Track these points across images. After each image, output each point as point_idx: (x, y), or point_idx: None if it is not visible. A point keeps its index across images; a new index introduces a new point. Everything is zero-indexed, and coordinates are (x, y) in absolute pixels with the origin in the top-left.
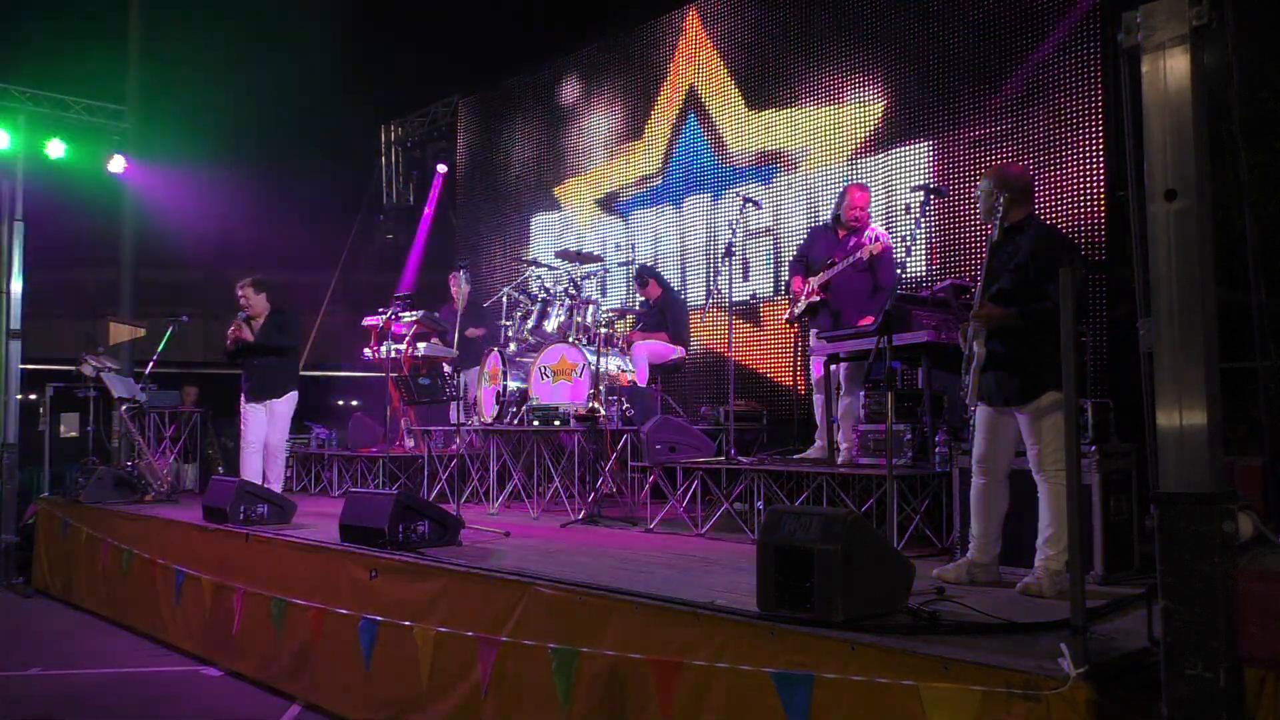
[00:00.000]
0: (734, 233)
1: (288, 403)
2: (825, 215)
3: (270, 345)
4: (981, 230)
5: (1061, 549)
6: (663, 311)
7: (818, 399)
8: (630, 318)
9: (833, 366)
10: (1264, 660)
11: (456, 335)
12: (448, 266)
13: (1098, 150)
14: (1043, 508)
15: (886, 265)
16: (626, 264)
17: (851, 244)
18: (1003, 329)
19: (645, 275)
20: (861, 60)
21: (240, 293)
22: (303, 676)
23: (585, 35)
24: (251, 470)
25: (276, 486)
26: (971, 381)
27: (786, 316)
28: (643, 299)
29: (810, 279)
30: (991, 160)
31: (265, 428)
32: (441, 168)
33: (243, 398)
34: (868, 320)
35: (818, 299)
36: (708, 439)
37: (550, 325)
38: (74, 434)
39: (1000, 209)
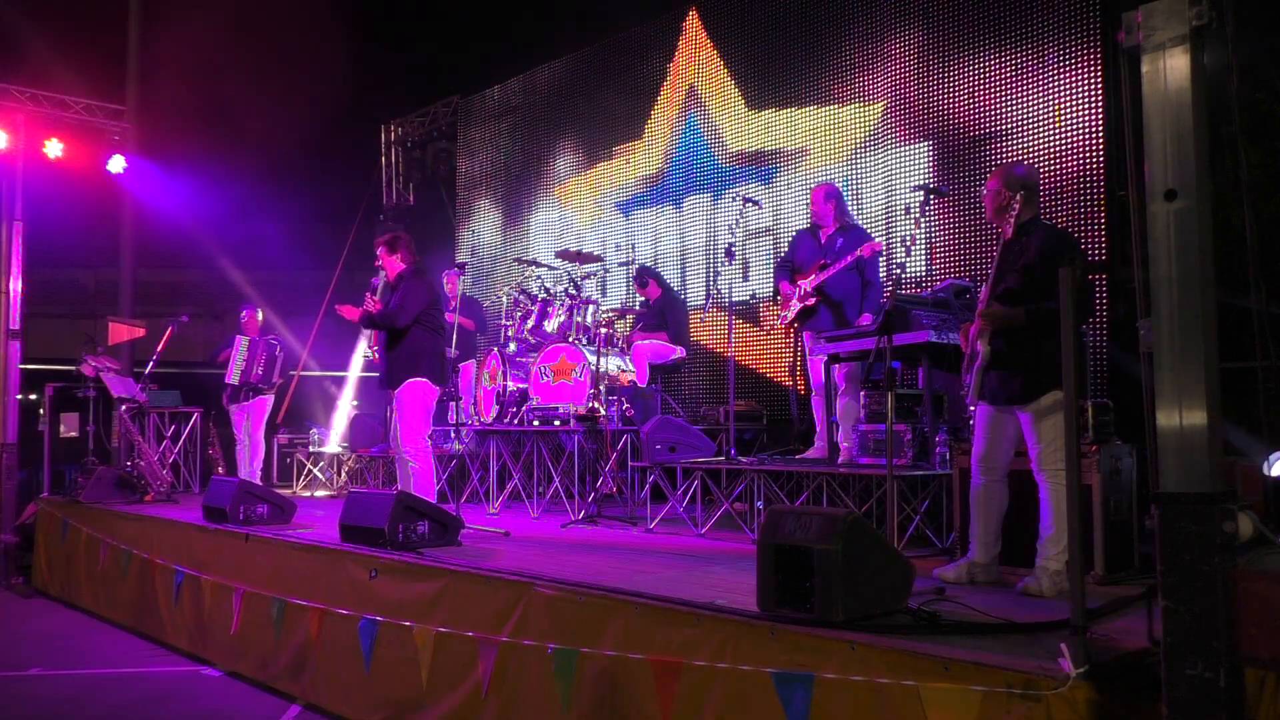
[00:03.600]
0: (734, 233)
1: (408, 392)
2: None
3: (377, 317)
4: (982, 230)
5: (1061, 549)
6: (662, 312)
7: (817, 399)
8: (630, 318)
9: (833, 366)
10: (1264, 660)
11: (454, 334)
12: (446, 267)
13: (1098, 150)
14: (1044, 508)
15: (873, 262)
16: (626, 264)
17: (839, 245)
18: (1008, 328)
19: (645, 276)
20: (861, 60)
21: (377, 252)
22: (303, 677)
23: (585, 35)
24: (399, 479)
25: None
26: (974, 380)
27: (781, 321)
28: (643, 299)
29: (800, 282)
30: (991, 160)
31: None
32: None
33: None
34: (864, 319)
35: (811, 302)
36: (708, 439)
37: (550, 325)
38: (74, 434)
39: (1016, 207)
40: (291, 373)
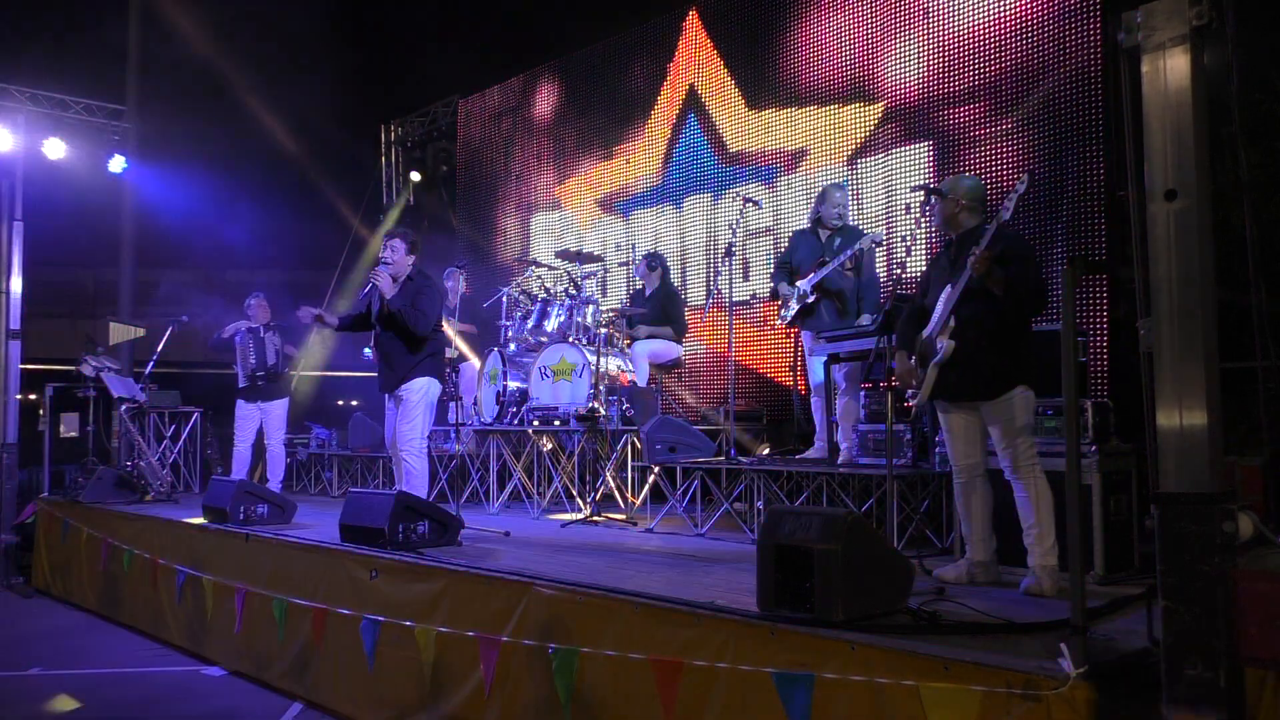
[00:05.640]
0: (734, 233)
1: (412, 392)
2: None
3: (394, 311)
4: None
5: (1050, 545)
6: (663, 305)
7: (817, 399)
8: (630, 316)
9: (832, 366)
10: (1264, 660)
11: (453, 334)
12: (446, 267)
13: (1098, 150)
14: (1022, 510)
15: (869, 260)
16: (626, 264)
17: (838, 244)
18: (969, 326)
19: (656, 261)
20: (862, 60)
21: (388, 244)
22: (306, 676)
23: (585, 35)
24: (399, 478)
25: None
26: (929, 376)
27: (780, 320)
28: (641, 286)
29: (799, 281)
30: (992, 160)
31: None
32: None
33: None
34: (864, 319)
35: (810, 300)
36: (708, 439)
37: (550, 325)
38: (74, 434)
39: (964, 216)
40: (292, 372)
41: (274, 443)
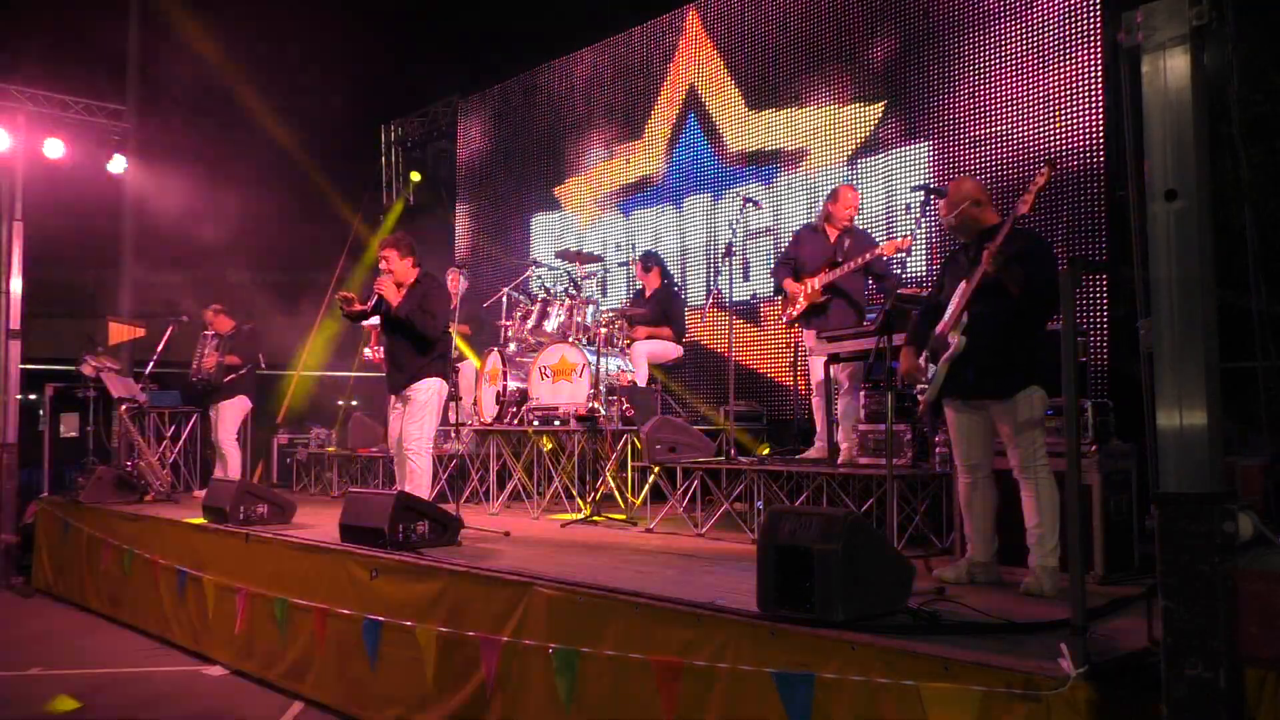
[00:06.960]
0: (734, 233)
1: (422, 392)
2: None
3: (402, 318)
4: None
5: (1052, 547)
6: (663, 306)
7: (817, 399)
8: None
9: (832, 366)
10: (1264, 660)
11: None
12: (446, 267)
13: (1098, 150)
14: (1028, 509)
15: (882, 262)
16: (626, 264)
17: (848, 244)
18: (981, 322)
19: (650, 261)
20: (861, 60)
21: (382, 254)
22: (309, 676)
23: (585, 35)
24: (401, 478)
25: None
26: (939, 373)
27: (785, 318)
28: (640, 286)
29: (810, 279)
30: (991, 160)
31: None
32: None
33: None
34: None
35: (821, 299)
36: (708, 439)
37: (550, 325)
38: (74, 434)
39: (975, 216)
40: (286, 371)
41: (224, 440)
